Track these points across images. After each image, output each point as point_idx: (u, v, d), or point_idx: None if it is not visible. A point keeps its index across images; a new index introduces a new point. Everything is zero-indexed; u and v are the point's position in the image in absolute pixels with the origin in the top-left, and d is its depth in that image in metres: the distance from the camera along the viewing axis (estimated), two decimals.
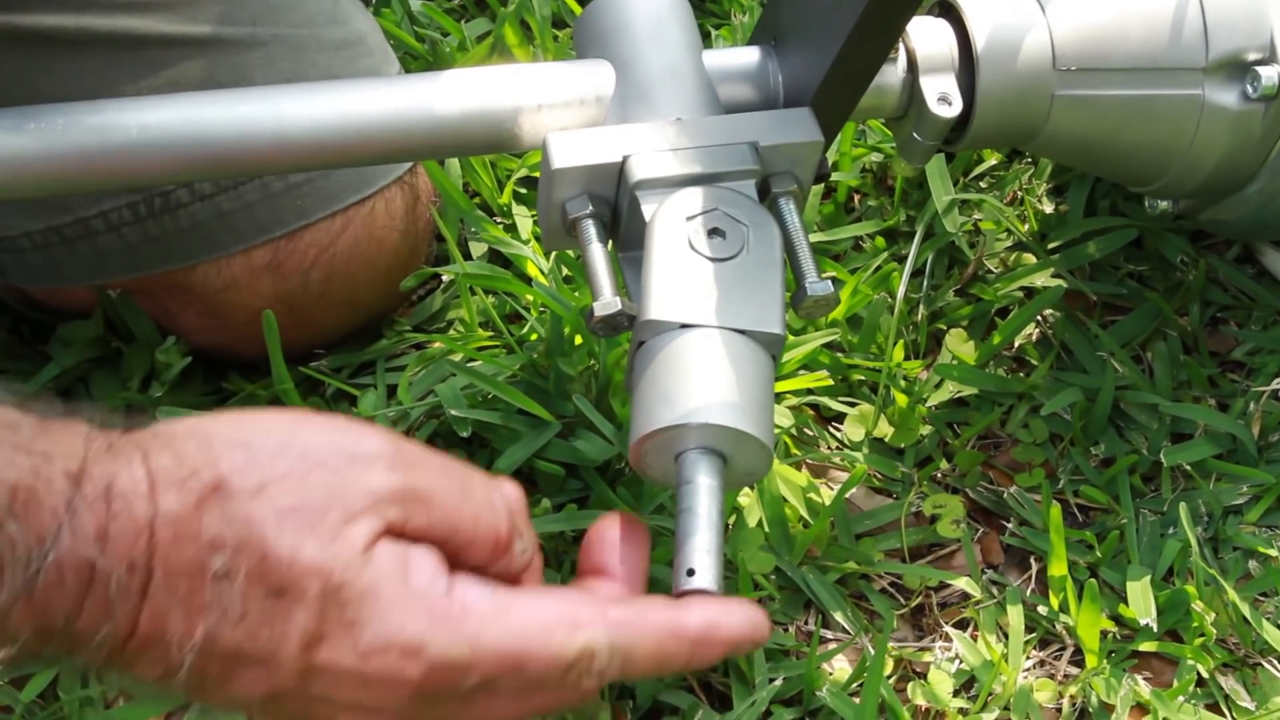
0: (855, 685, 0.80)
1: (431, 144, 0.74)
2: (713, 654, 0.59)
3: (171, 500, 0.53)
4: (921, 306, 0.94)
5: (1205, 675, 0.81)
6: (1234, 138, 0.81)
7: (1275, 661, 0.82)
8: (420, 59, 1.03)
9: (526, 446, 0.85)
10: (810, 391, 0.90)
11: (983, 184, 1.00)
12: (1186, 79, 0.80)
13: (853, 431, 0.90)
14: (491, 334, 0.91)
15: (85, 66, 0.81)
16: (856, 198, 1.00)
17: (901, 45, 0.78)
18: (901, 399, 0.90)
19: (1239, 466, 0.88)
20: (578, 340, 0.87)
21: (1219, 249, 0.97)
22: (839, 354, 0.92)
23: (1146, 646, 0.82)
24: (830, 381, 0.91)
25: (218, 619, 0.54)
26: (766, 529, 0.84)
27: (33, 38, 0.80)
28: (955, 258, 0.97)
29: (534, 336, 0.90)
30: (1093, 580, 0.81)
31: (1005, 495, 0.88)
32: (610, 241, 0.71)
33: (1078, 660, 0.83)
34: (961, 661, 0.82)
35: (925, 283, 0.94)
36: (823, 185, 0.99)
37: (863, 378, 0.92)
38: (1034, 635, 0.83)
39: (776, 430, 0.88)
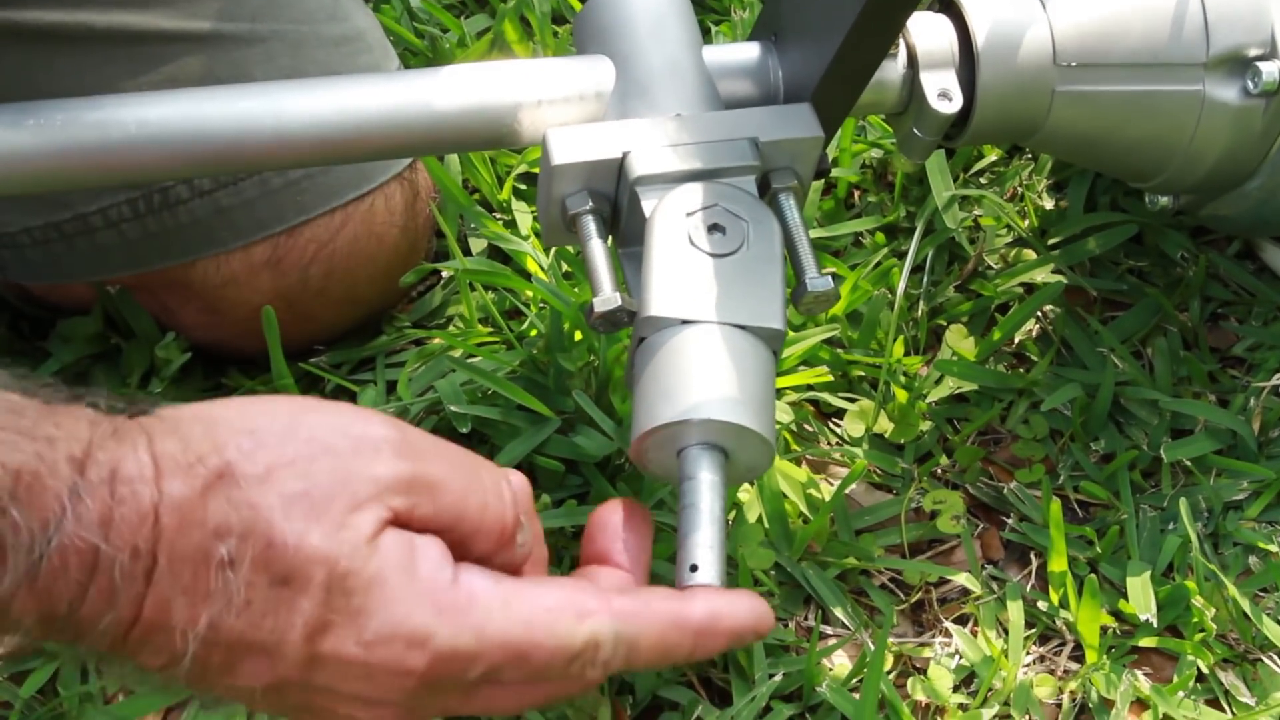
0: (855, 681, 0.80)
1: (431, 140, 0.74)
2: (716, 645, 0.59)
3: (177, 486, 0.53)
4: (921, 302, 0.94)
5: (1205, 671, 0.81)
6: (1234, 133, 0.81)
7: (1275, 657, 0.82)
8: (420, 55, 1.03)
9: (526, 442, 0.85)
10: (810, 387, 0.90)
11: (983, 180, 1.00)
12: (1187, 74, 0.80)
13: (853, 427, 0.90)
14: (491, 330, 0.91)
15: (84, 63, 0.81)
16: (857, 194, 1.00)
17: (902, 41, 0.78)
18: (901, 395, 0.90)
19: (1239, 462, 0.88)
20: (577, 336, 0.87)
21: (1219, 245, 0.97)
22: (839, 350, 0.92)
23: (1146, 642, 0.82)
24: (830, 377, 0.91)
25: (222, 606, 0.53)
26: (766, 525, 0.84)
27: (32, 34, 0.80)
28: (955, 254, 0.96)
29: (534, 332, 0.89)
30: (1093, 576, 0.81)
31: (1005, 491, 0.88)
32: (610, 237, 0.71)
33: (1078, 656, 0.83)
34: (961, 657, 0.82)
35: (925, 279, 0.94)
36: (823, 181, 0.99)
37: (863, 373, 0.92)
38: (1034, 631, 0.83)
39: (776, 426, 0.88)
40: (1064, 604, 0.83)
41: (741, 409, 0.63)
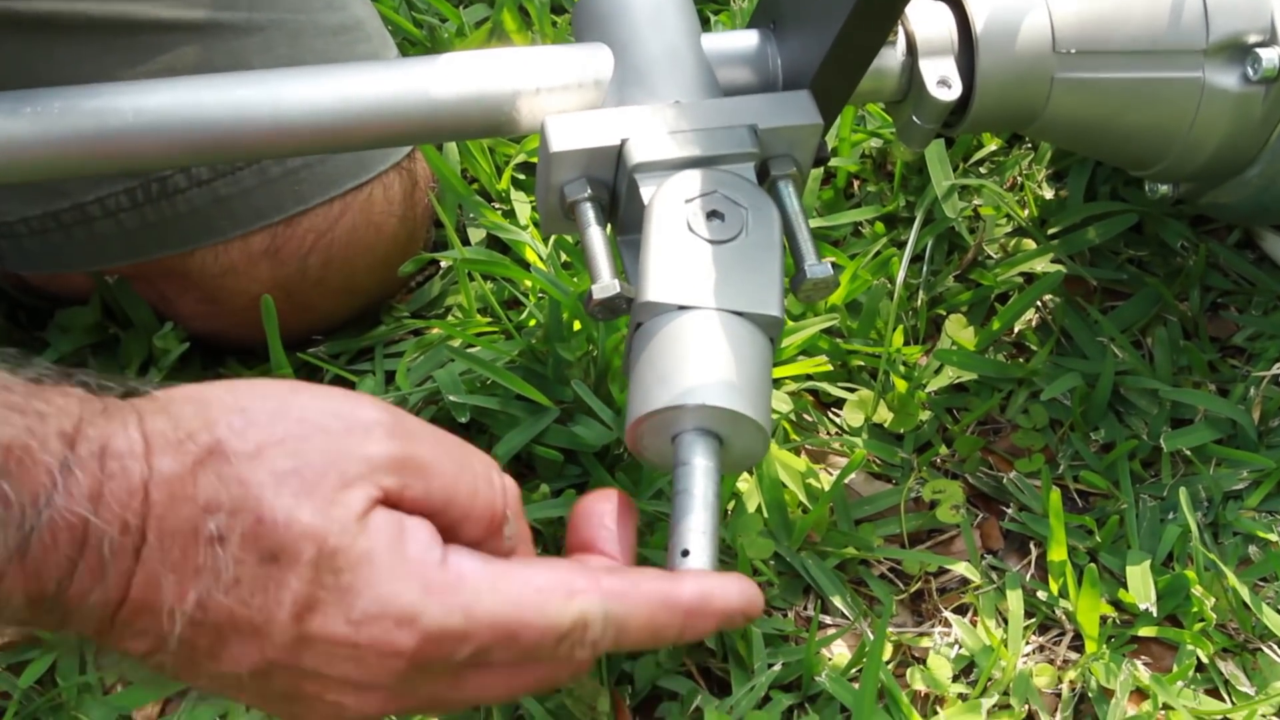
0: (854, 670, 0.80)
1: (430, 127, 0.74)
2: (705, 626, 0.59)
3: (167, 462, 0.53)
4: (921, 292, 0.94)
5: (1205, 660, 0.81)
6: (1234, 120, 0.80)
7: (1275, 646, 0.82)
8: (418, 45, 1.03)
9: (525, 432, 0.85)
10: (809, 377, 0.90)
11: (982, 169, 0.99)
12: (1187, 61, 0.79)
13: (852, 417, 0.90)
14: (490, 320, 0.91)
15: (82, 52, 0.81)
16: (856, 183, 1.00)
17: (900, 28, 0.78)
18: (901, 384, 0.89)
19: (1239, 451, 0.88)
20: (576, 326, 0.87)
21: (1219, 234, 0.97)
22: (838, 339, 0.91)
23: (1146, 631, 0.82)
24: (829, 367, 0.91)
25: (210, 583, 0.53)
26: (765, 514, 0.84)
27: (30, 22, 0.80)
28: (955, 243, 0.96)
29: (532, 322, 0.89)
30: (1092, 565, 0.81)
31: (1005, 480, 0.88)
32: (609, 225, 0.71)
33: (1077, 645, 0.83)
34: (961, 647, 0.82)
35: (925, 268, 0.94)
36: (822, 171, 0.99)
37: (862, 363, 0.91)
38: (1033, 620, 0.83)
39: (775, 416, 0.88)
40: (1063, 593, 0.83)
41: (737, 395, 0.63)
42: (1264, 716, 0.79)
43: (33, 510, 0.51)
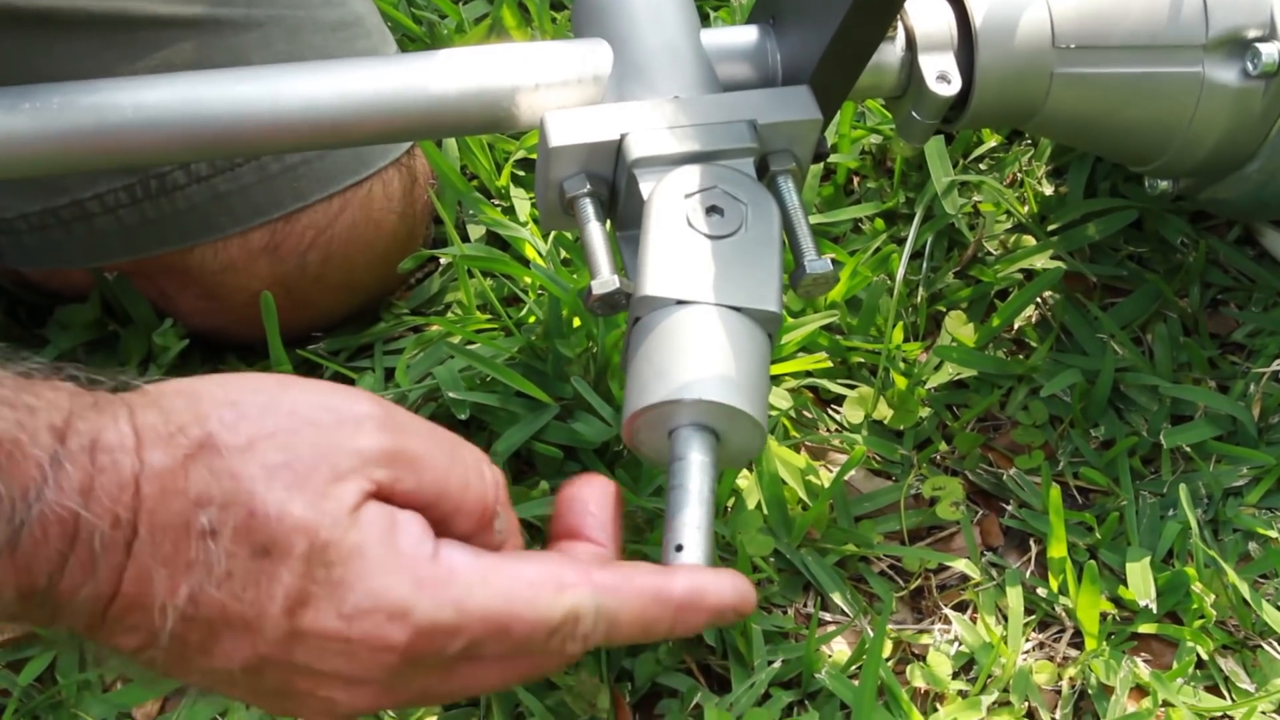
0: (854, 667, 0.80)
1: (429, 124, 0.74)
2: (697, 622, 0.59)
3: (158, 456, 0.53)
4: (921, 288, 0.94)
5: (1205, 657, 0.81)
6: (1234, 115, 0.80)
7: (1275, 643, 0.82)
8: (418, 41, 1.03)
9: (525, 429, 0.85)
10: (809, 373, 0.90)
11: (982, 166, 0.99)
12: (1186, 56, 0.79)
13: (852, 414, 0.89)
14: (489, 316, 0.91)
15: (81, 47, 0.80)
16: (855, 180, 1.00)
17: (900, 23, 0.78)
18: (901, 381, 0.89)
19: (1239, 448, 0.88)
20: (576, 322, 0.87)
21: (1219, 230, 0.97)
22: (838, 336, 0.91)
23: (1146, 628, 0.82)
24: (829, 363, 0.91)
25: (202, 577, 0.53)
26: (765, 511, 0.84)
27: (29, 18, 0.80)
28: (955, 240, 0.96)
29: (532, 319, 0.89)
30: (1092, 562, 0.81)
31: (1005, 477, 0.88)
32: (608, 221, 0.71)
33: (1077, 642, 0.83)
34: (961, 643, 0.82)
35: (925, 265, 0.94)
36: (822, 167, 0.99)
37: (862, 360, 0.91)
38: (1033, 617, 0.83)
39: (775, 412, 0.88)
40: (1063, 590, 0.83)
41: (734, 390, 0.63)
42: (1264, 713, 0.79)
43: (23, 504, 0.50)
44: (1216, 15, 0.79)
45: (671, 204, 0.67)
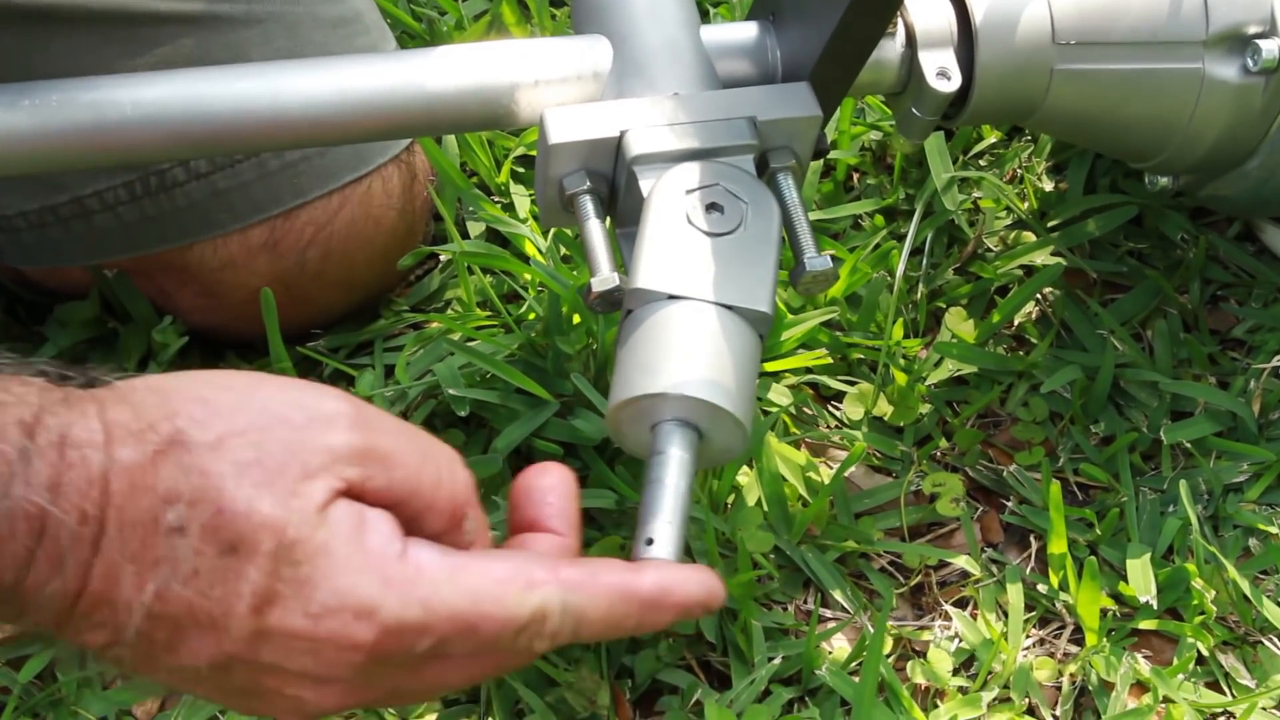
0: (855, 664, 0.80)
1: (428, 120, 0.74)
2: (664, 618, 0.58)
3: (127, 452, 0.52)
4: (921, 285, 0.93)
5: (1205, 653, 0.81)
6: (1234, 112, 0.80)
7: (1275, 639, 0.82)
8: (417, 38, 1.03)
9: (525, 426, 0.85)
10: (809, 370, 0.90)
11: (982, 162, 0.99)
12: (1186, 52, 0.79)
13: (852, 410, 0.89)
14: (489, 313, 0.91)
15: (80, 44, 0.80)
16: (855, 176, 1.00)
17: (900, 20, 0.77)
18: (901, 377, 0.89)
19: (1239, 444, 0.88)
20: (576, 319, 0.87)
21: (1219, 226, 0.97)
22: (838, 332, 0.91)
23: (1146, 624, 0.82)
24: (829, 360, 0.90)
25: (169, 574, 0.52)
26: (765, 508, 0.84)
27: (28, 14, 0.80)
28: (955, 236, 0.96)
29: (532, 315, 0.89)
30: (1092, 558, 0.81)
31: (1005, 474, 0.88)
32: (608, 218, 0.71)
33: (1077, 639, 0.83)
34: (961, 640, 0.82)
35: (924, 261, 0.94)
36: (822, 163, 0.98)
37: (862, 356, 0.91)
38: (1034, 614, 0.83)
39: (775, 409, 0.88)
40: (1064, 587, 0.83)
41: (719, 388, 0.63)
42: (1264, 709, 0.79)
43: None
44: (1217, 11, 0.79)
45: (671, 200, 0.67)
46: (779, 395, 0.88)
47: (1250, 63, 0.79)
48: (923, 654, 0.82)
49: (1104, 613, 0.82)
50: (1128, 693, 0.79)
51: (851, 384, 0.90)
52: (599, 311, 0.67)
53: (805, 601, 0.84)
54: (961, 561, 0.84)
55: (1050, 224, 0.96)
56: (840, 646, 0.82)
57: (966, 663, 0.81)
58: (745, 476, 0.85)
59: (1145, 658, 0.82)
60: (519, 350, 0.87)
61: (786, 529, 0.84)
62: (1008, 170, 0.99)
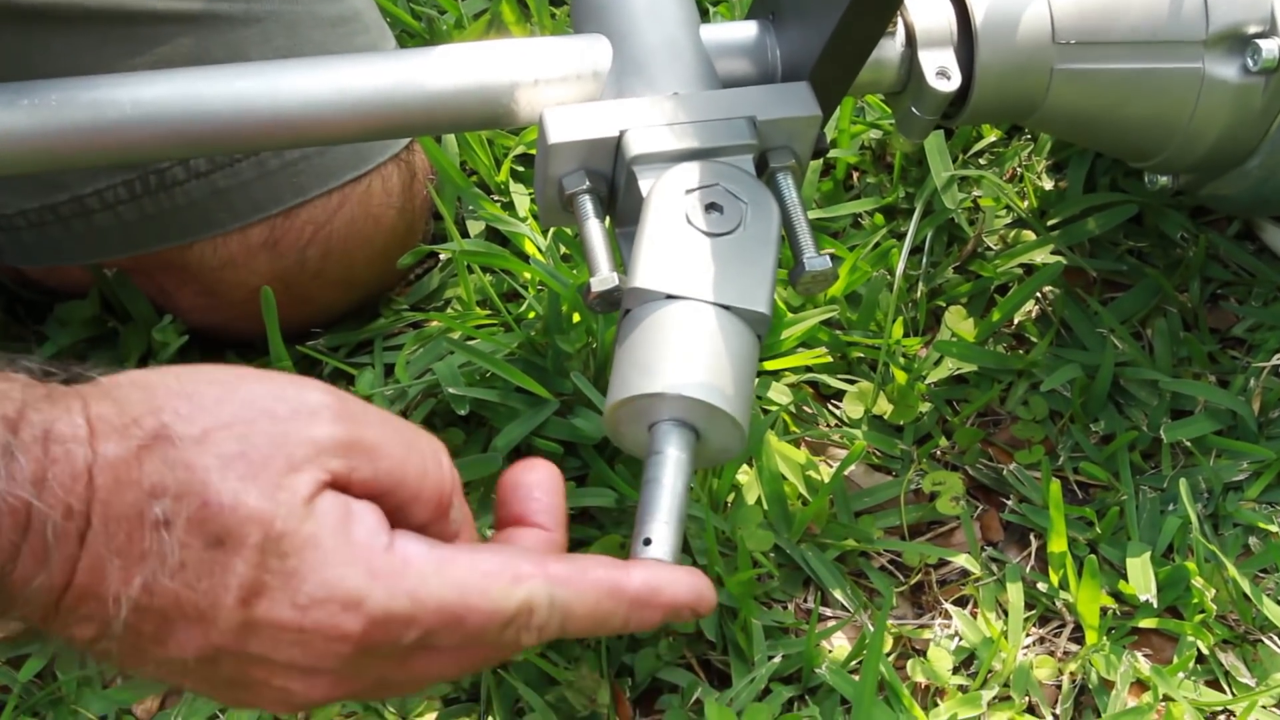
0: (855, 663, 0.80)
1: (428, 119, 0.74)
2: (651, 617, 0.59)
3: (112, 447, 0.52)
4: (921, 284, 0.93)
5: (1205, 652, 0.81)
6: (1234, 111, 0.80)
7: (1275, 638, 0.82)
8: (417, 37, 1.03)
9: (525, 424, 0.85)
10: (809, 369, 0.90)
11: (982, 160, 0.99)
12: (1186, 52, 0.79)
13: (852, 409, 0.89)
14: (489, 312, 0.91)
15: (79, 43, 0.80)
16: (855, 175, 1.00)
17: (900, 19, 0.77)
18: (901, 376, 0.89)
19: (1239, 443, 0.88)
20: (575, 318, 0.87)
21: (1219, 225, 0.97)
22: (838, 331, 0.91)
23: (1146, 623, 0.82)
24: (829, 359, 0.90)
25: (155, 568, 0.52)
26: (765, 506, 0.84)
27: (27, 14, 0.80)
28: (954, 235, 0.96)
29: (532, 314, 0.89)
30: (1092, 557, 0.81)
31: (1005, 472, 0.88)
32: (608, 217, 0.71)
33: (1077, 637, 0.83)
34: (961, 639, 0.82)
35: (924, 260, 0.94)
36: (821, 162, 0.98)
37: (862, 355, 0.91)
38: (1034, 612, 0.83)
39: (775, 408, 0.88)
40: (1064, 585, 0.83)
41: (716, 389, 0.63)
42: (1264, 708, 0.79)
43: None
44: (1217, 11, 0.79)
45: (671, 199, 0.67)
46: (779, 394, 0.88)
47: (1250, 62, 0.79)
48: (923, 653, 0.82)
49: (1104, 611, 0.82)
50: (1128, 691, 0.79)
51: (851, 382, 0.90)
52: (598, 311, 0.67)
53: (805, 600, 0.84)
54: (961, 560, 0.84)
55: (1050, 222, 0.96)
56: (840, 645, 0.82)
57: (966, 661, 0.82)
58: (745, 475, 0.85)
59: (1145, 656, 0.82)
60: (519, 349, 0.87)
61: (786, 527, 0.84)
62: (1007, 169, 0.99)
